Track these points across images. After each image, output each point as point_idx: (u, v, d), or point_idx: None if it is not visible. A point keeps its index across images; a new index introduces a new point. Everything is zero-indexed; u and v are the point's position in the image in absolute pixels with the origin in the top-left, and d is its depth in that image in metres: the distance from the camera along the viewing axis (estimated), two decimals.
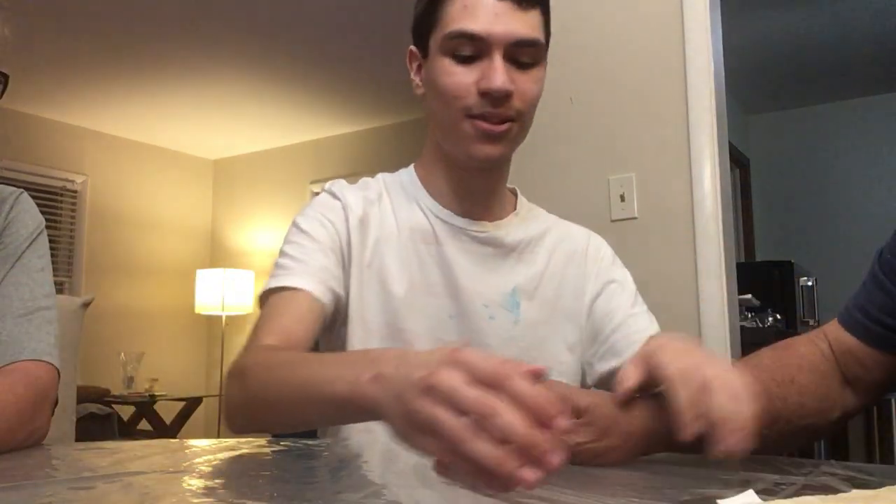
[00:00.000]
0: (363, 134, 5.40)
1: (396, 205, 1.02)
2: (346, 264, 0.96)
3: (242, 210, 5.89)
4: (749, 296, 2.97)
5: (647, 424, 0.66)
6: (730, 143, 2.03)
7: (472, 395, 0.48)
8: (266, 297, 0.93)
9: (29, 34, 3.56)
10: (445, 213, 1.01)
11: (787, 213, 5.14)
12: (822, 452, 2.99)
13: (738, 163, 5.13)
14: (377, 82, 4.42)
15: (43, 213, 0.97)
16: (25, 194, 0.96)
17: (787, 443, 0.84)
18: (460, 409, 0.48)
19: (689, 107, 1.89)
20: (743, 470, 0.56)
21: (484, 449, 0.46)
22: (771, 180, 5.33)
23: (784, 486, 0.49)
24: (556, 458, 0.46)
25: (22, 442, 0.78)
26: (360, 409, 0.59)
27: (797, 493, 0.46)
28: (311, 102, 4.91)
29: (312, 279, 0.91)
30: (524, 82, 0.92)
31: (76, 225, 5.16)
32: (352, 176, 1.10)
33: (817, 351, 0.84)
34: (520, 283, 1.01)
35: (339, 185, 1.03)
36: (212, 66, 4.28)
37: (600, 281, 1.06)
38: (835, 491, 0.43)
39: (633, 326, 1.02)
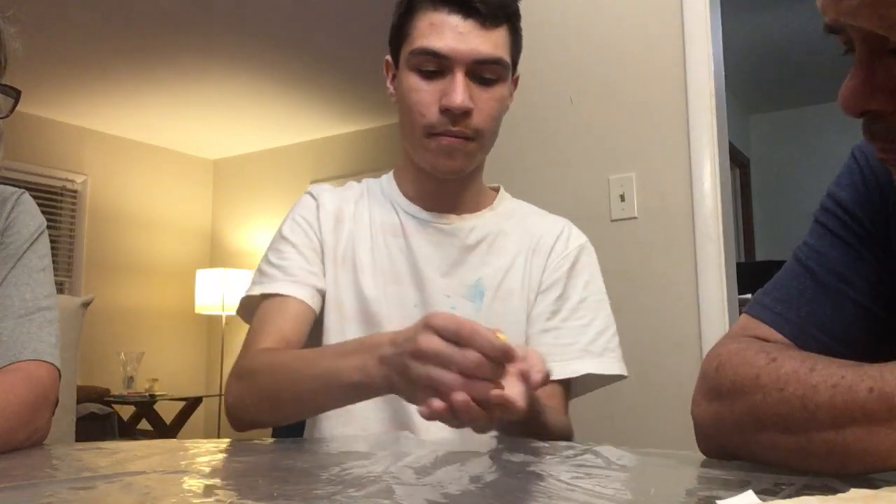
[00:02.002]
0: (363, 134, 5.41)
1: (373, 204, 1.09)
2: (322, 257, 1.04)
3: (242, 210, 5.89)
4: (749, 296, 2.97)
5: None
6: (730, 143, 2.03)
7: (454, 353, 0.65)
8: (250, 303, 1.02)
9: (29, 35, 3.56)
10: (414, 209, 1.06)
11: (787, 213, 5.14)
12: None
13: (738, 163, 5.13)
14: (377, 82, 4.41)
15: (43, 213, 0.97)
16: (27, 195, 0.96)
17: None
18: (446, 364, 0.65)
19: (689, 107, 1.90)
20: (743, 470, 0.56)
21: (463, 398, 0.64)
22: (771, 180, 5.33)
23: (784, 486, 0.49)
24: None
25: (22, 442, 0.78)
26: (373, 390, 0.77)
27: (797, 493, 0.47)
28: (311, 102, 4.91)
29: (299, 286, 1.00)
30: (485, 100, 0.96)
31: (76, 225, 5.16)
32: (352, 176, 1.13)
33: None
34: (486, 275, 1.04)
35: (319, 188, 1.11)
36: (212, 66, 4.29)
37: (549, 280, 1.05)
38: (835, 491, 0.43)
39: (548, 339, 1.01)
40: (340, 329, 1.01)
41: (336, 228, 1.06)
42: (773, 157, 5.35)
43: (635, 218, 1.95)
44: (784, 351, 0.62)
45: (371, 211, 1.08)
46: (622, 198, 1.97)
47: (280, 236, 1.06)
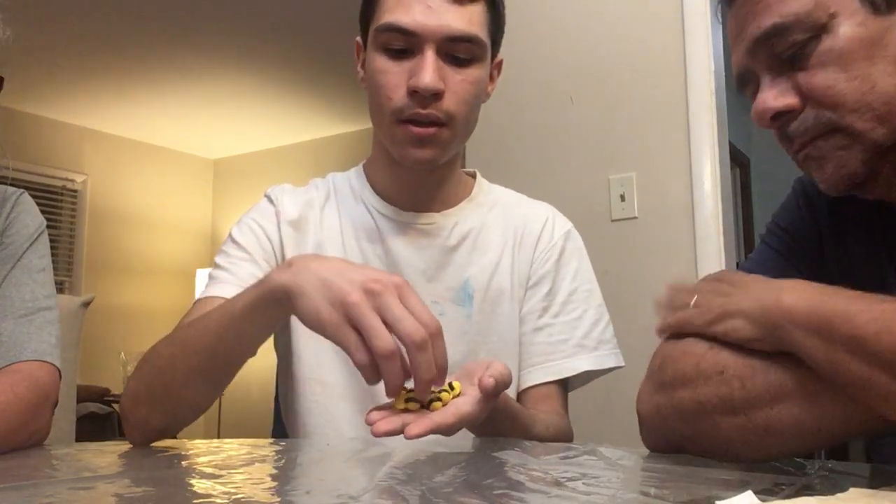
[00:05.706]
0: (363, 134, 5.41)
1: (342, 205, 1.00)
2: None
3: (242, 210, 5.78)
4: None
5: None
6: (730, 142, 2.03)
7: (413, 325, 0.61)
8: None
9: (29, 33, 3.56)
10: (390, 210, 0.98)
11: None
12: (822, 452, 2.99)
13: (738, 163, 5.13)
14: None
15: (43, 212, 0.97)
16: (26, 195, 0.96)
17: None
18: (393, 326, 0.61)
19: (689, 106, 1.90)
20: (743, 470, 0.56)
21: (397, 371, 0.61)
22: (771, 180, 5.33)
23: (784, 487, 0.49)
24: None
25: (23, 442, 0.78)
26: (271, 297, 0.68)
27: (797, 494, 0.47)
28: (311, 102, 4.91)
29: (237, 288, 0.87)
30: (458, 82, 0.88)
31: (76, 225, 5.16)
32: None
33: None
34: (473, 274, 0.97)
35: (279, 190, 1.04)
36: (212, 65, 4.29)
37: (537, 274, 1.00)
38: (834, 491, 0.43)
39: (541, 338, 0.98)
40: (315, 353, 0.94)
41: (298, 237, 0.98)
42: (773, 157, 5.35)
43: (635, 218, 1.95)
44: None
45: (341, 214, 1.00)
46: (622, 198, 1.97)
47: (231, 241, 0.98)
